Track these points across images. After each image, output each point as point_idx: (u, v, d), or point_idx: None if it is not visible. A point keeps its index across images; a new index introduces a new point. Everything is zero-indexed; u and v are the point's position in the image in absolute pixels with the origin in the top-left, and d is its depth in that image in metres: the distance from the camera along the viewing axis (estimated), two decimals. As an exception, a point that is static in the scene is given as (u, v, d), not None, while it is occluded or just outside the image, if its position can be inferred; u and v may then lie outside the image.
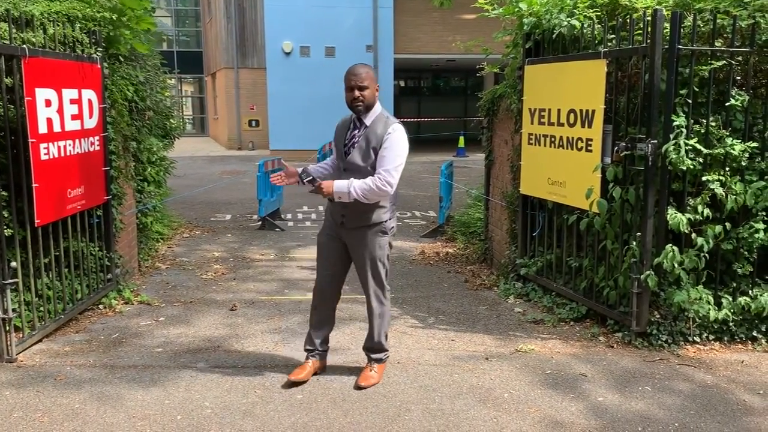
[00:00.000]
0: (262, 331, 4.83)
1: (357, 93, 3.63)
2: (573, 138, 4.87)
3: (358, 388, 3.84)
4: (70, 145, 4.66)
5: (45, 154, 4.35)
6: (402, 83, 29.62)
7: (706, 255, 4.25)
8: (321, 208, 10.60)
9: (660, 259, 4.22)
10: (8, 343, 4.16)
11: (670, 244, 4.21)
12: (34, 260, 4.40)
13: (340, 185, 3.63)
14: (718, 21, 4.27)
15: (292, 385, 3.86)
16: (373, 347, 3.97)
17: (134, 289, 5.74)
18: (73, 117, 4.71)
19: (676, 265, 4.20)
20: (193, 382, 3.93)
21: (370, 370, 3.94)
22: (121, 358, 4.30)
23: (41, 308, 4.54)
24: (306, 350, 4.04)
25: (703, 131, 4.28)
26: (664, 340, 4.41)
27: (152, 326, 4.94)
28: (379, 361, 3.99)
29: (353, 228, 3.78)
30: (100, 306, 5.27)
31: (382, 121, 3.72)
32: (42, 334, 4.52)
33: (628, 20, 4.50)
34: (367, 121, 3.73)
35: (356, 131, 3.75)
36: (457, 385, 3.91)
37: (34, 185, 4.23)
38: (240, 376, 4.02)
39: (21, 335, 4.34)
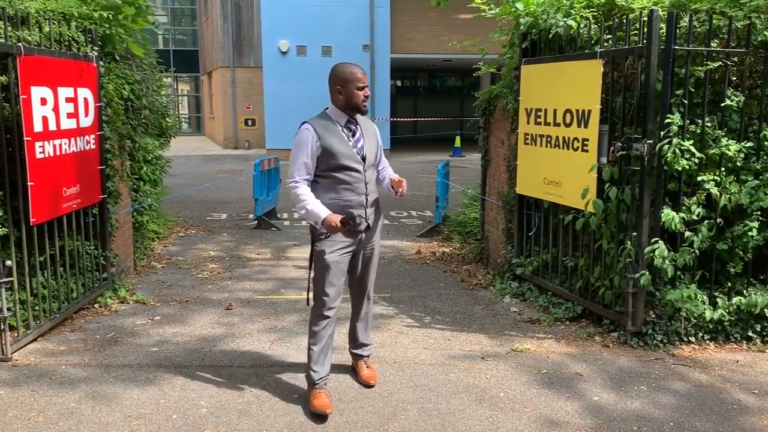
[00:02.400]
0: (258, 330, 4.83)
1: (368, 92, 3.57)
2: (569, 138, 4.88)
3: (370, 386, 3.85)
4: (65, 143, 4.65)
5: (40, 152, 4.34)
6: (398, 83, 29.62)
7: (696, 251, 4.26)
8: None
9: (648, 254, 4.22)
10: (3, 342, 4.15)
11: (657, 238, 4.22)
12: (29, 259, 4.38)
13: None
14: (714, 22, 4.28)
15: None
16: (369, 342, 3.99)
17: (130, 288, 5.73)
18: (69, 115, 4.69)
19: (666, 261, 4.20)
20: (188, 382, 3.92)
21: (368, 367, 3.96)
22: (116, 358, 4.29)
23: (36, 307, 4.52)
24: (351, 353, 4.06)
25: (698, 131, 4.29)
26: (659, 339, 4.42)
27: (148, 325, 4.93)
28: (370, 355, 4.04)
29: (374, 227, 3.71)
30: (96, 305, 5.25)
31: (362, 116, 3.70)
32: (37, 333, 4.51)
33: (624, 20, 4.50)
34: (359, 119, 3.66)
35: (356, 131, 3.61)
36: (453, 384, 3.91)
37: (29, 184, 4.22)
38: (236, 375, 4.01)
39: (16, 334, 4.33)
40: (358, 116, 3.64)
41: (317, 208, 3.43)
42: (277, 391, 3.81)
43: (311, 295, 3.64)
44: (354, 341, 3.99)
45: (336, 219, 3.38)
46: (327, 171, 3.50)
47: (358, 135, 3.60)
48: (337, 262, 3.54)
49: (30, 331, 4.43)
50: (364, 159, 3.56)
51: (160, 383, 3.90)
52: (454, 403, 3.68)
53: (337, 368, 4.08)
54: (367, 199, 3.58)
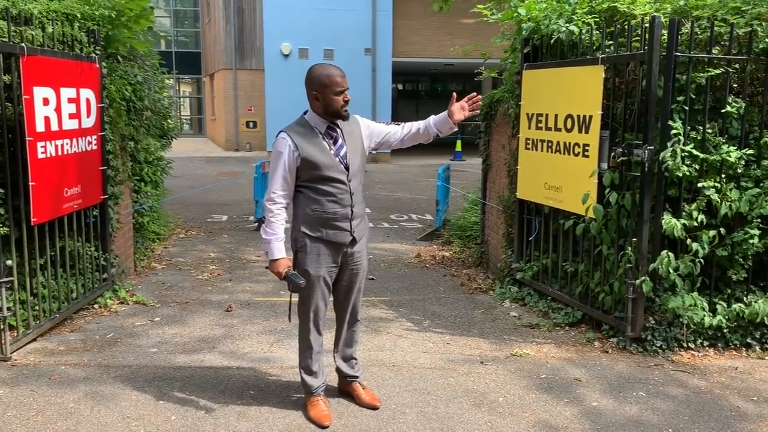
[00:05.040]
0: (258, 332, 4.83)
1: (348, 96, 3.28)
2: (570, 143, 4.88)
3: (377, 408, 3.61)
4: (67, 144, 4.66)
5: (42, 152, 4.34)
6: (400, 86, 29.67)
7: (701, 260, 4.26)
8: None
9: (655, 264, 4.23)
10: (2, 341, 4.15)
11: (666, 250, 4.22)
12: (29, 259, 4.39)
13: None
14: (716, 28, 4.30)
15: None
16: (356, 356, 3.75)
17: (130, 289, 5.73)
18: (71, 116, 4.70)
19: (671, 271, 4.21)
20: (187, 383, 3.92)
21: (364, 388, 3.72)
22: (115, 358, 4.29)
23: (36, 307, 4.53)
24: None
25: (699, 138, 4.30)
26: (658, 345, 4.42)
27: (147, 326, 4.93)
28: (359, 376, 3.76)
29: (360, 237, 3.46)
30: (96, 305, 5.26)
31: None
32: (37, 333, 4.51)
33: (626, 27, 4.51)
34: (340, 122, 3.37)
35: (337, 137, 3.34)
36: (452, 388, 3.91)
37: (30, 184, 4.22)
38: (235, 377, 4.01)
39: (15, 334, 4.34)
40: (340, 120, 3.37)
41: (277, 247, 3.30)
42: (276, 393, 3.81)
43: (294, 313, 3.49)
44: (340, 357, 3.72)
45: (282, 269, 3.28)
46: (309, 182, 3.30)
47: (340, 142, 3.34)
48: (324, 278, 3.38)
49: (30, 330, 4.44)
50: (347, 168, 3.32)
51: (159, 384, 3.90)
52: (453, 407, 3.68)
53: (333, 367, 4.09)
54: (352, 211, 3.35)
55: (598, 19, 4.88)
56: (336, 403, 3.67)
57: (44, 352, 4.35)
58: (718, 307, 4.39)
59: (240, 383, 3.93)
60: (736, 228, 4.35)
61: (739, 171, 4.29)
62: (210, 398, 3.72)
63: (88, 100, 4.94)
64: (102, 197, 5.26)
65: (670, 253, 4.20)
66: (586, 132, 4.70)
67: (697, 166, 4.26)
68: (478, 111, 3.52)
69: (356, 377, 3.73)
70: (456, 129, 3.56)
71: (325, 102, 3.26)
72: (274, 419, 3.50)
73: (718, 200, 4.24)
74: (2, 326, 4.13)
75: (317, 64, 3.41)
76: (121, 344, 4.55)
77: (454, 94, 3.49)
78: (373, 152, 3.66)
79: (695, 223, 4.25)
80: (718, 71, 4.25)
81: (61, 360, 4.23)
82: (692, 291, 4.36)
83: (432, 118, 3.55)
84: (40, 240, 4.49)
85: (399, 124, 3.62)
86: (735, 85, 4.45)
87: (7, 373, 4.01)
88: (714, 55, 4.29)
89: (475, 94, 3.51)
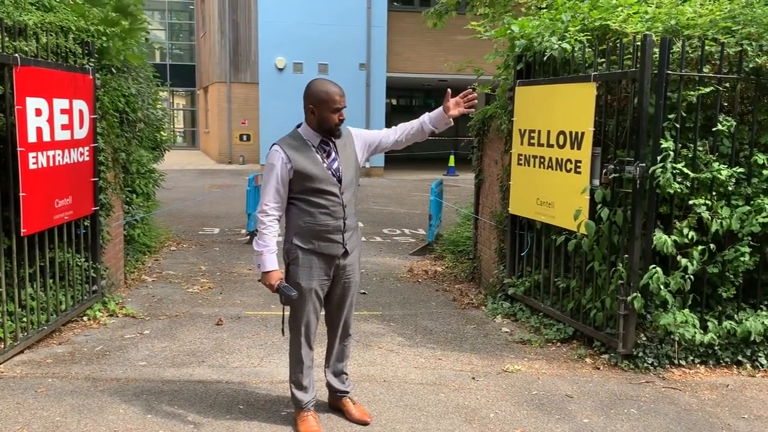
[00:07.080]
0: (248, 346, 4.80)
1: (344, 115, 3.31)
2: (562, 159, 4.91)
3: (367, 423, 3.58)
4: (59, 154, 4.64)
5: (33, 163, 4.33)
6: (394, 102, 29.78)
7: (691, 277, 4.27)
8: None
9: (645, 279, 4.24)
10: (-11, 353, 4.11)
11: (655, 266, 4.23)
12: (18, 270, 4.35)
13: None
14: (707, 48, 4.34)
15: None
16: (347, 372, 3.72)
17: (119, 302, 5.69)
18: (63, 127, 4.69)
19: (662, 287, 4.22)
20: (176, 397, 3.89)
21: (355, 404, 3.70)
22: (104, 371, 4.25)
23: (24, 319, 4.48)
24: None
25: (690, 156, 4.33)
26: (650, 362, 4.42)
27: (137, 339, 4.89)
28: (350, 392, 3.74)
29: (352, 250, 3.46)
30: (85, 318, 5.21)
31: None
32: (24, 345, 4.47)
33: (618, 45, 4.55)
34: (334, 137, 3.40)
35: (330, 150, 3.36)
36: (443, 404, 3.89)
37: (21, 194, 4.20)
38: (224, 391, 3.98)
39: (3, 346, 4.29)
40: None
41: (269, 259, 3.31)
42: (265, 407, 3.78)
43: (286, 325, 3.49)
44: (331, 372, 3.69)
45: (274, 281, 3.29)
46: (301, 194, 3.31)
47: (333, 155, 3.35)
48: (315, 291, 3.38)
49: (17, 342, 4.39)
50: (340, 180, 3.34)
51: (147, 398, 3.86)
52: (444, 423, 3.65)
53: (323, 382, 4.06)
54: (345, 223, 3.37)
55: (590, 37, 4.93)
56: (326, 418, 3.64)
57: (31, 365, 4.30)
58: (709, 324, 4.40)
59: (229, 398, 3.90)
60: (726, 245, 4.37)
61: (730, 189, 4.32)
62: (199, 412, 3.69)
63: (81, 111, 4.93)
64: (93, 209, 5.23)
65: (659, 269, 4.21)
66: (578, 148, 4.73)
67: (688, 184, 4.28)
68: (473, 109, 3.55)
69: (347, 392, 3.70)
70: (452, 124, 3.57)
71: (320, 118, 3.29)
72: (264, 434, 3.47)
73: (709, 218, 4.27)
74: (-11, 338, 4.09)
75: (318, 78, 3.43)
76: (110, 357, 4.51)
77: (449, 90, 3.52)
78: (367, 162, 3.66)
79: (686, 240, 4.27)
80: (708, 90, 4.29)
81: (48, 372, 4.19)
82: (683, 308, 4.37)
83: (427, 115, 3.58)
84: (30, 251, 4.45)
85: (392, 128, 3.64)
86: (725, 104, 4.49)
87: (-7, 385, 3.96)
88: (705, 74, 4.33)
89: (470, 90, 3.55)
